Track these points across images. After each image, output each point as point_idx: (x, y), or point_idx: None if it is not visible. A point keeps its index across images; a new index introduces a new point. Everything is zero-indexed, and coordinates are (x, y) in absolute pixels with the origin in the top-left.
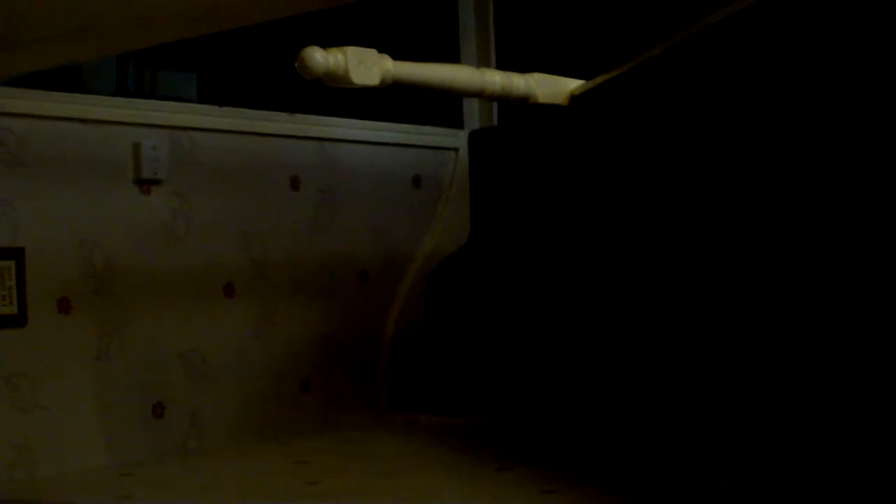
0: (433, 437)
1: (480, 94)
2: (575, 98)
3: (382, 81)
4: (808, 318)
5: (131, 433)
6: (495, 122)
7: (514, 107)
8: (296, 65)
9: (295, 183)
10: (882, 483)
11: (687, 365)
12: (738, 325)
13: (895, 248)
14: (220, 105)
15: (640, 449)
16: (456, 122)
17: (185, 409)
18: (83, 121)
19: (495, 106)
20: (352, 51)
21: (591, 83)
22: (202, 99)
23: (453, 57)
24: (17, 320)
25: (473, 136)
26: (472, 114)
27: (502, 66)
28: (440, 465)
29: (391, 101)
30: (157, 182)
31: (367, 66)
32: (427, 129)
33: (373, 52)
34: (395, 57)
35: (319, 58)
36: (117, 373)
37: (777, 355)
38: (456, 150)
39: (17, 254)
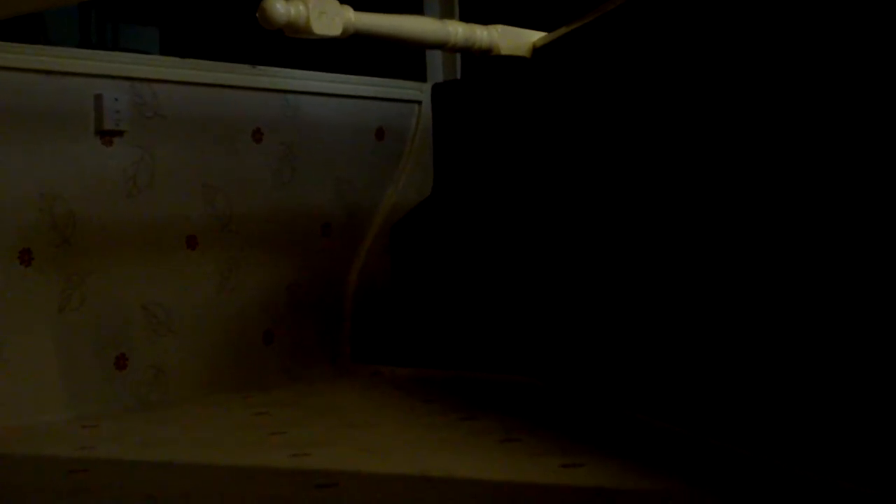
0: (396, 388)
1: (443, 46)
2: (537, 50)
3: (344, 32)
4: (761, 281)
5: (94, 386)
6: (458, 75)
7: (477, 59)
8: (257, 15)
9: (258, 135)
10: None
11: (648, 315)
12: (697, 272)
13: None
14: (183, 57)
15: (602, 399)
16: (419, 74)
17: (148, 362)
18: (45, 72)
19: (458, 59)
20: (313, 1)
21: (553, 35)
22: (165, 53)
23: (416, 9)
24: None
25: (436, 89)
26: (436, 67)
27: (465, 18)
28: (403, 416)
29: (355, 54)
30: (119, 133)
31: (328, 16)
32: (390, 81)
33: (334, 2)
34: (358, 8)
35: (280, 8)
36: (80, 325)
37: (726, 311)
38: (419, 102)
39: None
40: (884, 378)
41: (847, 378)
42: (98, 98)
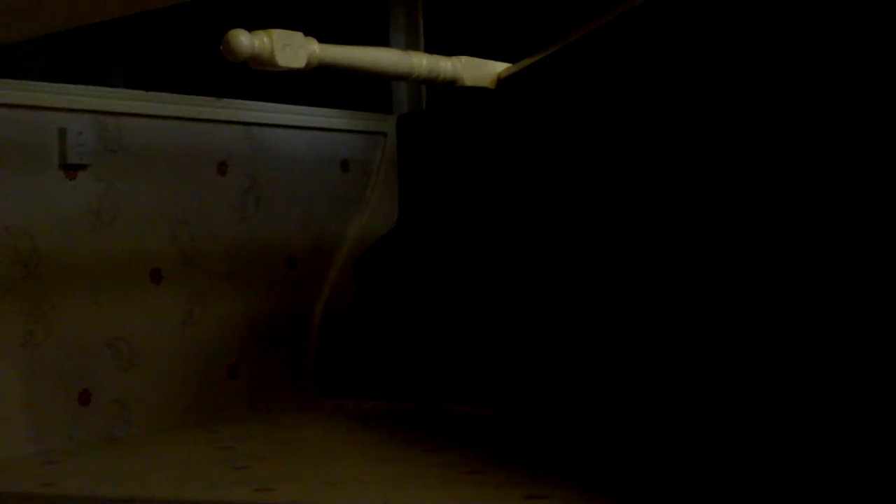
0: (362, 421)
1: (407, 78)
2: (501, 81)
3: (308, 64)
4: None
5: (58, 421)
6: (424, 107)
7: (442, 90)
8: (221, 48)
9: (223, 168)
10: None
11: (612, 348)
12: (662, 306)
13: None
14: (147, 90)
15: (566, 430)
16: (385, 106)
17: (113, 397)
18: (9, 106)
19: (424, 91)
20: (277, 33)
21: (517, 66)
22: (129, 86)
23: (382, 41)
24: None
25: (402, 121)
26: (401, 99)
27: (430, 50)
28: (369, 450)
29: (321, 86)
30: (83, 167)
31: (292, 48)
32: (355, 113)
33: (299, 35)
34: (323, 41)
35: (245, 40)
36: (43, 360)
37: (693, 325)
38: (384, 134)
39: None
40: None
41: (810, 416)
42: (62, 132)
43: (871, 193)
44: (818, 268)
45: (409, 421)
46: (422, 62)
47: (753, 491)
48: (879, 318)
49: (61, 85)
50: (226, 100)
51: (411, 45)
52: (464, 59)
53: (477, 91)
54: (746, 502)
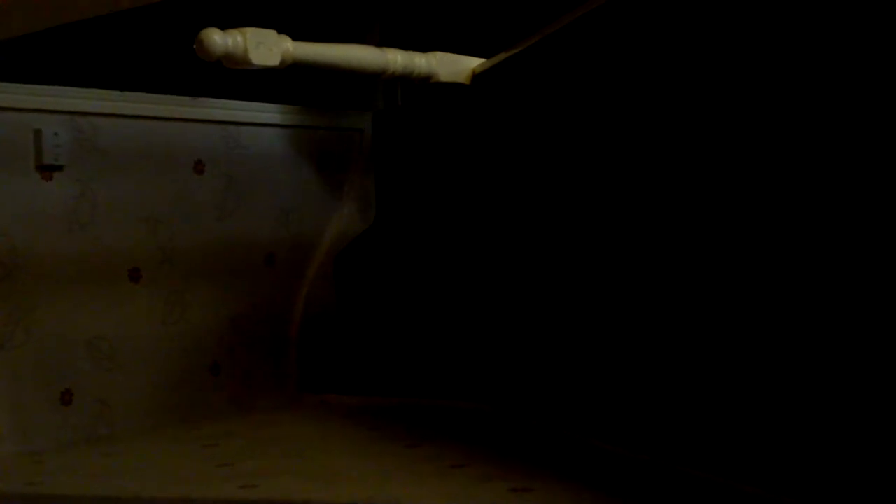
0: (344, 417)
1: (382, 74)
2: (477, 76)
3: (282, 62)
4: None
5: (40, 421)
6: (400, 103)
7: (417, 86)
8: (194, 47)
9: (199, 167)
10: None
11: (599, 340)
12: (650, 296)
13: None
14: (122, 90)
15: (548, 423)
16: (361, 104)
17: (94, 396)
18: None
19: (399, 88)
20: (251, 32)
21: (492, 61)
22: (104, 86)
23: (357, 37)
24: None
25: (377, 117)
26: (377, 95)
27: (405, 45)
28: (351, 445)
29: (298, 85)
30: (58, 168)
31: (266, 46)
32: (331, 111)
33: (272, 32)
34: (297, 38)
35: (218, 39)
36: (24, 360)
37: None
38: (361, 130)
39: None
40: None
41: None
42: (37, 133)
43: (870, 188)
44: (822, 261)
45: (392, 416)
46: (396, 58)
47: (741, 482)
48: (888, 313)
49: (36, 86)
50: (201, 99)
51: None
52: (438, 54)
53: (452, 87)
54: (734, 493)
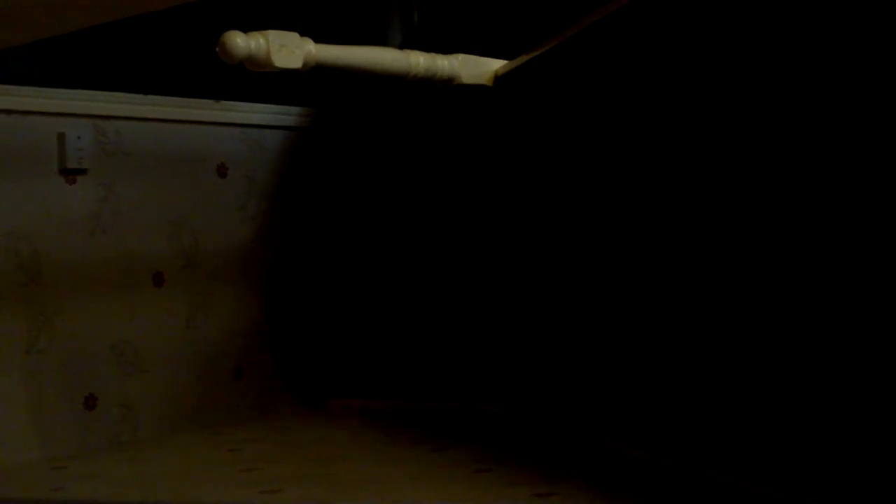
0: (367, 421)
1: (405, 76)
2: (499, 78)
3: (305, 65)
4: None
5: (63, 426)
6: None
7: (438, 89)
8: (217, 49)
9: (222, 170)
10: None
11: (619, 342)
12: (667, 296)
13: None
14: (145, 93)
15: (570, 426)
16: None
17: (118, 401)
18: (7, 112)
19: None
20: (273, 34)
21: (515, 62)
22: (127, 90)
23: (379, 40)
24: None
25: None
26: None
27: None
28: (375, 450)
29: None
30: (82, 172)
31: (288, 49)
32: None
33: (295, 35)
34: (319, 40)
35: (241, 42)
36: (48, 365)
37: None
38: None
39: None
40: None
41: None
42: (61, 137)
43: (870, 185)
44: (856, 257)
45: (414, 420)
46: (419, 60)
47: (767, 487)
48: None
49: (59, 90)
50: (224, 102)
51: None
52: (461, 56)
53: (473, 88)
54: (755, 496)
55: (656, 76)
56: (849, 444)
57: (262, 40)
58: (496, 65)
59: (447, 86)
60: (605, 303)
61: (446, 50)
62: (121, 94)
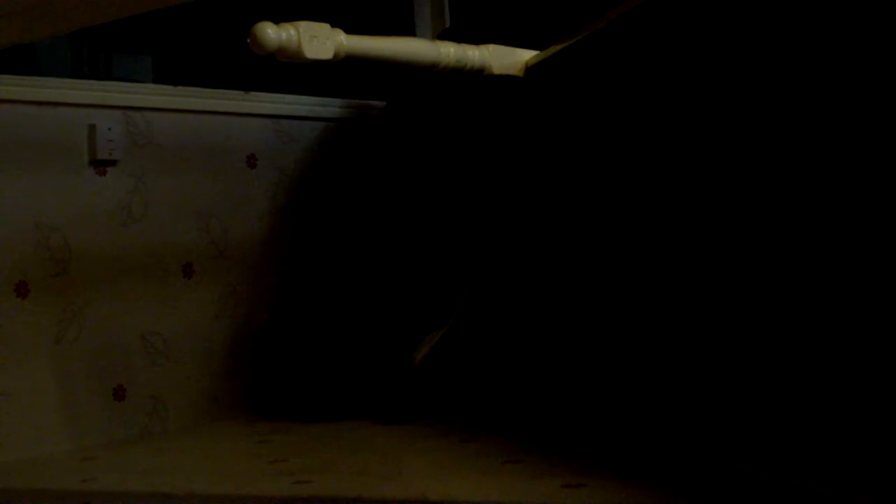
0: None
1: (435, 67)
2: (530, 68)
3: (336, 56)
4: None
5: (93, 417)
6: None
7: (470, 80)
8: (248, 41)
9: (252, 161)
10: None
11: (644, 331)
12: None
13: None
14: (175, 84)
15: (600, 418)
16: None
17: (147, 392)
18: (38, 103)
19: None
20: (304, 25)
21: (546, 53)
22: (158, 81)
23: (408, 30)
24: None
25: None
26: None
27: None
28: (403, 441)
29: (346, 78)
30: (112, 163)
31: (319, 40)
32: (378, 103)
33: (325, 26)
34: (349, 31)
35: (272, 33)
36: (77, 356)
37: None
38: None
39: None
40: None
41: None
42: (91, 128)
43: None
44: None
45: (443, 410)
46: (449, 51)
47: (799, 477)
48: None
49: (89, 81)
50: (254, 93)
51: (437, 31)
52: (491, 47)
53: (504, 79)
54: (789, 487)
55: (688, 67)
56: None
57: (292, 31)
58: (527, 55)
59: (478, 76)
60: (628, 287)
61: (477, 41)
62: (151, 85)
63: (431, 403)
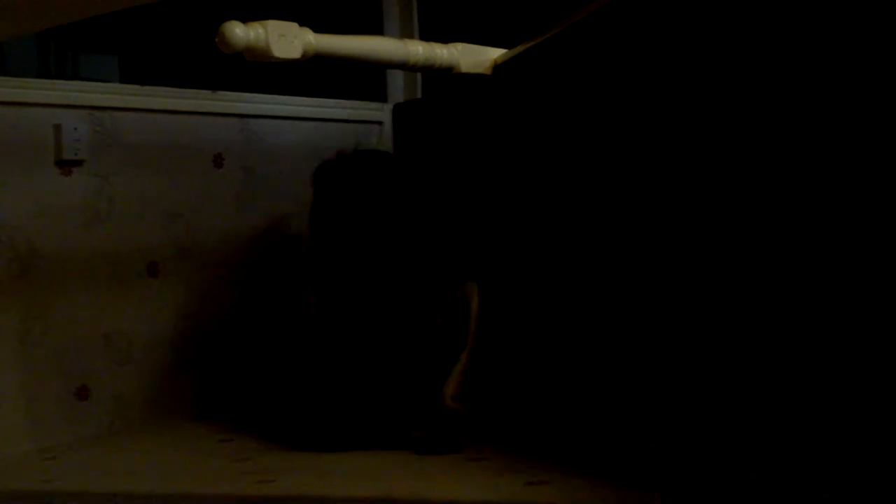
0: None
1: (404, 66)
2: (498, 66)
3: (304, 54)
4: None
5: (56, 417)
6: (419, 95)
7: (438, 78)
8: (216, 40)
9: (219, 161)
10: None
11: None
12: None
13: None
14: (142, 84)
15: (558, 416)
16: (380, 95)
17: (111, 392)
18: (3, 103)
19: (419, 79)
20: (272, 24)
21: (513, 51)
22: (125, 80)
23: (377, 29)
24: None
25: (397, 109)
26: (396, 87)
27: (425, 37)
28: None
29: (316, 77)
30: (78, 163)
31: (288, 39)
32: (351, 103)
33: (294, 25)
34: (317, 30)
35: (240, 32)
36: (41, 356)
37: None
38: (380, 123)
39: None
40: None
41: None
42: (57, 128)
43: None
44: None
45: None
46: (418, 50)
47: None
48: None
49: (55, 81)
50: (221, 92)
51: (406, 32)
52: (460, 45)
53: (473, 78)
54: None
55: (655, 66)
56: None
57: (261, 30)
58: (495, 53)
59: (446, 74)
60: (603, 298)
61: (445, 40)
62: (118, 85)
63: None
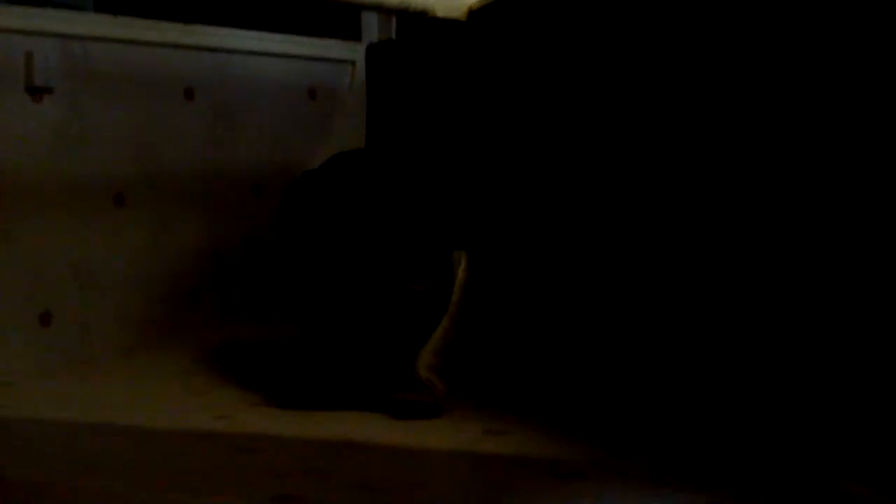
0: None
1: (379, 7)
2: (473, 12)
3: None
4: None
5: (16, 343)
6: (393, 36)
7: (412, 22)
8: None
9: (189, 94)
10: None
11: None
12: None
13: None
14: (115, 14)
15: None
16: (354, 35)
17: (74, 320)
18: None
19: (394, 20)
20: None
21: None
22: (98, 10)
23: None
24: None
25: (371, 50)
26: (370, 27)
27: None
28: None
29: (290, 14)
30: (48, 90)
31: None
32: (324, 41)
33: None
34: None
35: None
36: (4, 281)
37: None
38: (353, 62)
39: None
40: None
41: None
42: (28, 55)
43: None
44: None
45: None
46: None
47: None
48: None
49: (28, 8)
50: (193, 25)
51: None
52: None
53: (448, 23)
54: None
55: (637, 13)
56: None
57: None
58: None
59: (421, 18)
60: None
61: None
62: (91, 14)
63: None
